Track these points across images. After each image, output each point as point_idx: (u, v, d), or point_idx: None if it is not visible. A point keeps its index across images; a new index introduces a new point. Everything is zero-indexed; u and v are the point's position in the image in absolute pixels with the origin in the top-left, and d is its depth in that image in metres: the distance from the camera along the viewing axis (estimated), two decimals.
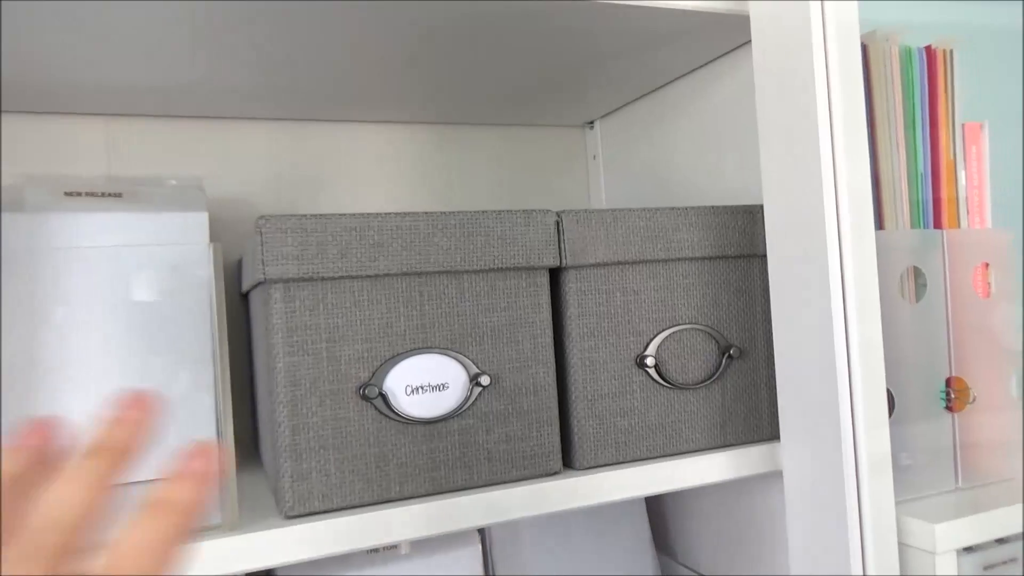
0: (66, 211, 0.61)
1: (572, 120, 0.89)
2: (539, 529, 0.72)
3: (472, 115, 0.84)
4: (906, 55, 0.64)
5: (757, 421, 0.58)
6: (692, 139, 0.74)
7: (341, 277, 0.46)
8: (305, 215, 0.45)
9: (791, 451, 0.53)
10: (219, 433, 0.45)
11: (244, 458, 0.65)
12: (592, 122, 0.90)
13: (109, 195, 0.63)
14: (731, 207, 0.57)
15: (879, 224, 0.62)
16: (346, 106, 0.77)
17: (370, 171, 0.83)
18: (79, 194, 0.62)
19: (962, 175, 0.65)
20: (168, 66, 0.63)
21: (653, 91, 0.79)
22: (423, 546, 0.64)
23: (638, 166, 0.83)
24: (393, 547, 0.64)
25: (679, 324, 0.55)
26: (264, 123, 0.79)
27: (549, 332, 0.52)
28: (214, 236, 0.76)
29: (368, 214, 0.47)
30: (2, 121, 0.71)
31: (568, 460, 0.54)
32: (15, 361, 0.50)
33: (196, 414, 0.51)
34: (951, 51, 0.66)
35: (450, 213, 0.49)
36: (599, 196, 0.91)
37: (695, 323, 0.56)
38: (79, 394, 0.51)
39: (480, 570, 0.66)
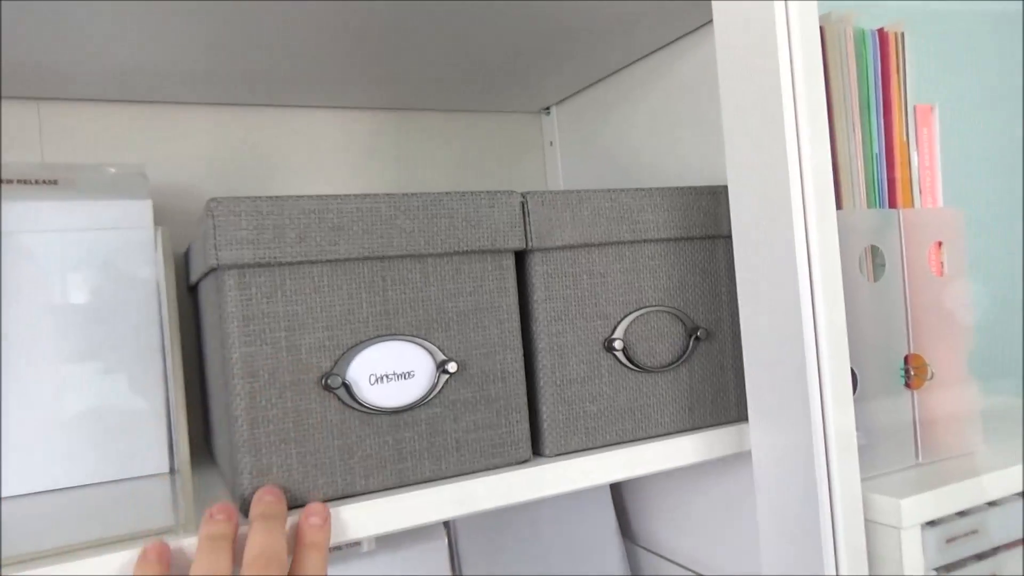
0: None
1: (527, 106, 0.88)
2: (505, 519, 0.71)
3: (426, 100, 0.82)
4: (860, 37, 0.64)
5: (724, 403, 0.57)
6: (651, 123, 0.74)
7: (300, 262, 0.44)
8: (260, 197, 0.43)
9: (760, 431, 0.53)
10: (171, 428, 0.43)
11: (196, 455, 0.62)
12: (548, 108, 0.89)
13: (44, 182, 0.60)
14: (695, 188, 0.56)
15: (837, 204, 0.62)
16: (296, 90, 0.75)
17: (322, 158, 0.81)
18: (10, 181, 0.59)
19: (915, 156, 0.66)
20: (106, 47, 0.59)
21: (610, 75, 0.79)
22: (387, 541, 0.62)
23: (596, 151, 0.83)
24: (355, 544, 0.62)
25: (646, 306, 0.55)
26: (210, 108, 0.76)
27: (516, 317, 0.50)
28: (159, 226, 0.72)
29: (327, 196, 0.45)
30: None
31: (537, 447, 0.52)
32: None
33: (147, 409, 0.48)
34: (902, 33, 0.67)
35: (413, 195, 0.47)
36: (557, 183, 0.90)
37: (662, 305, 0.55)
38: (14, 389, 0.48)
39: (447, 564, 0.64)
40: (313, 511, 0.42)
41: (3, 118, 0.69)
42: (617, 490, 0.81)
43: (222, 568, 0.37)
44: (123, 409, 0.47)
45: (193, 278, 0.56)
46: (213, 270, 0.44)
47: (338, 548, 0.61)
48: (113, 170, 0.64)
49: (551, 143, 0.89)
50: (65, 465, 0.47)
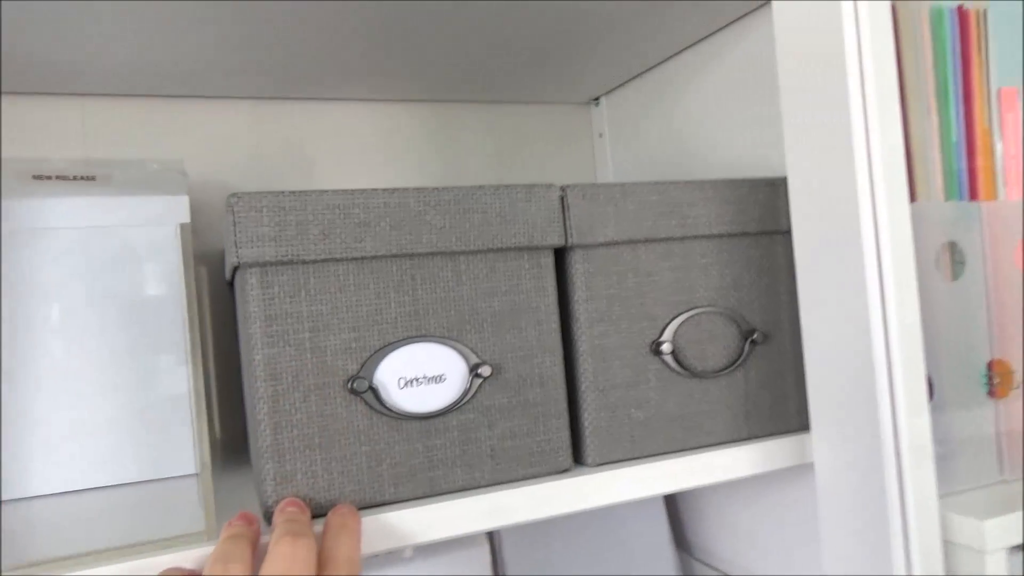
0: (33, 196, 0.57)
1: (576, 97, 0.85)
2: (552, 527, 0.68)
3: (468, 92, 0.79)
4: (937, 16, 0.59)
5: (784, 411, 0.53)
6: (705, 112, 0.69)
7: (324, 260, 0.42)
8: (282, 192, 0.41)
9: (823, 442, 0.49)
10: (193, 425, 0.41)
11: (235, 459, 0.61)
12: (597, 98, 0.86)
13: (81, 178, 0.59)
14: (751, 180, 0.52)
15: (911, 196, 0.57)
16: (334, 83, 0.73)
17: (361, 153, 0.79)
18: (49, 177, 0.58)
19: (998, 144, 0.60)
20: (146, 43, 0.59)
21: (661, 63, 0.75)
22: (427, 548, 0.60)
23: (647, 143, 0.79)
24: (394, 550, 0.60)
25: (697, 307, 0.51)
26: (249, 102, 0.75)
27: (555, 318, 0.47)
28: (197, 221, 0.72)
29: (352, 190, 0.42)
30: None
31: (579, 456, 0.49)
32: None
33: (171, 406, 0.47)
34: (984, 11, 0.61)
35: (443, 188, 0.44)
36: (607, 177, 0.86)
37: (714, 306, 0.51)
38: (49, 384, 0.47)
39: (488, 571, 0.62)
40: (341, 506, 0.41)
41: (47, 115, 0.69)
42: (672, 498, 0.77)
43: (240, 558, 0.35)
44: (153, 409, 0.46)
45: (228, 275, 0.55)
46: (236, 268, 0.42)
47: (375, 555, 0.59)
48: (152, 166, 0.63)
49: (600, 135, 0.86)
50: (95, 465, 0.46)
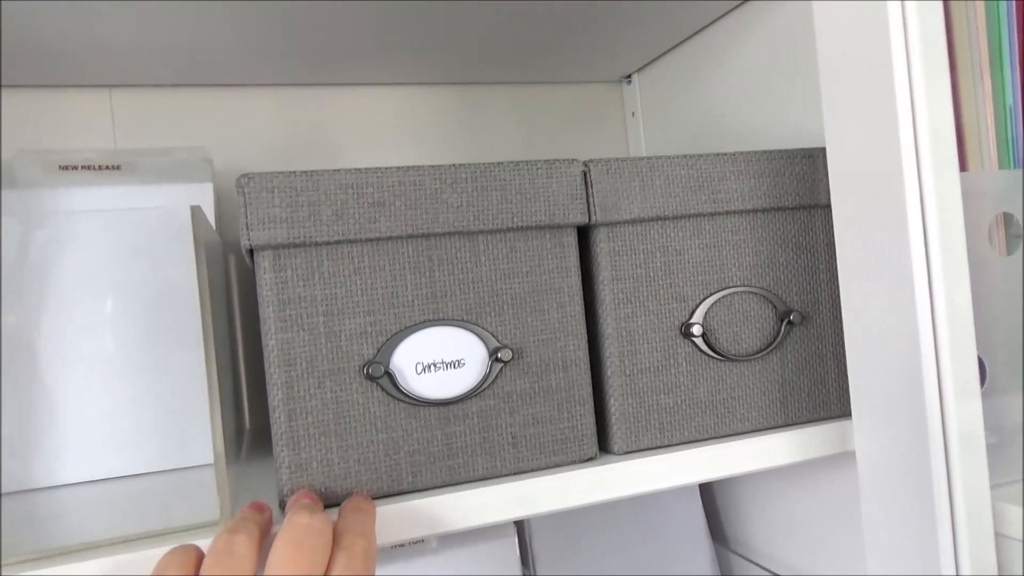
0: (59, 186, 0.57)
1: (607, 75, 0.82)
2: (582, 519, 0.67)
3: (495, 73, 0.77)
4: None
5: (824, 396, 0.50)
6: (742, 85, 0.66)
7: (338, 241, 0.41)
8: (294, 172, 0.40)
9: (865, 430, 0.46)
10: (210, 414, 0.40)
11: (264, 449, 0.61)
12: (629, 76, 0.83)
13: (107, 168, 0.59)
14: (787, 151, 0.49)
15: (962, 166, 0.54)
16: (358, 67, 0.72)
17: (389, 137, 0.78)
18: (74, 168, 0.58)
19: None
20: (170, 29, 0.58)
21: (694, 35, 0.72)
22: (453, 540, 0.59)
23: (682, 121, 0.76)
24: (419, 541, 0.59)
25: (729, 287, 0.48)
26: (276, 89, 0.75)
27: (579, 299, 0.45)
28: (226, 209, 0.71)
29: (366, 169, 0.41)
30: (4, 97, 0.68)
31: (605, 444, 0.47)
32: (12, 340, 0.46)
33: (187, 395, 0.46)
34: None
35: (460, 166, 0.43)
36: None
37: (748, 285, 0.49)
38: (73, 371, 0.47)
39: (516, 563, 0.60)
40: (355, 495, 0.40)
41: (76, 106, 0.69)
42: (707, 488, 0.75)
43: (247, 531, 0.34)
44: (170, 397, 0.46)
45: (248, 260, 0.54)
46: (249, 251, 0.41)
47: (401, 545, 0.58)
48: (177, 154, 0.63)
49: (633, 114, 0.83)
50: (115, 454, 0.46)
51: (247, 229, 0.39)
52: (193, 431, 0.48)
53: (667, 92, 0.78)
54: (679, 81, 0.75)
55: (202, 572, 0.33)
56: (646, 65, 0.80)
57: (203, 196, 0.60)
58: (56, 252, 0.48)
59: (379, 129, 0.78)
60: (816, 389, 0.50)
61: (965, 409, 0.42)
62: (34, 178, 0.57)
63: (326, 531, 0.35)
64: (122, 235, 0.45)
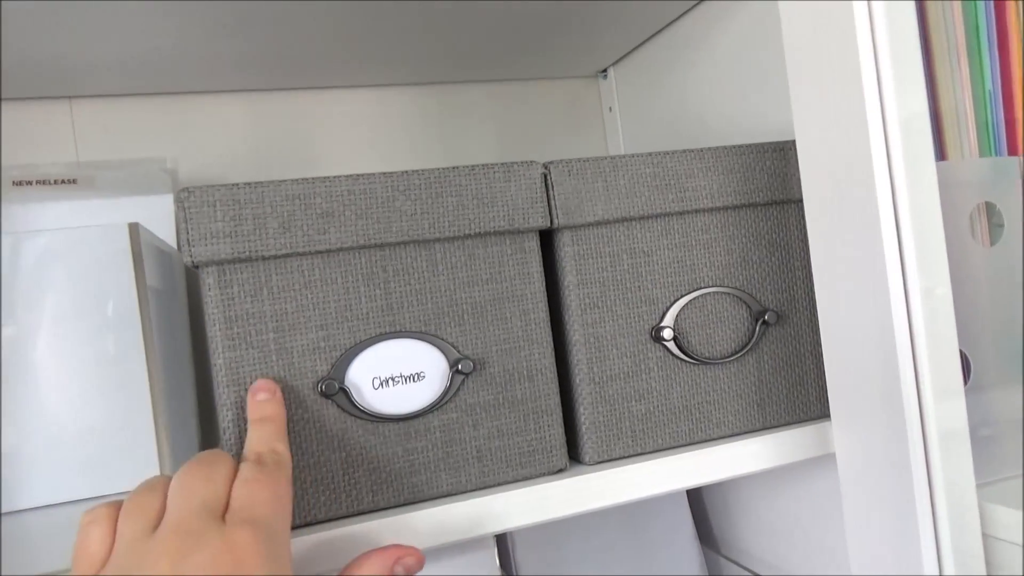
0: (13, 202, 0.55)
1: (582, 69, 0.80)
2: (567, 525, 0.65)
3: (473, 71, 0.76)
4: None
5: (803, 397, 0.49)
6: (719, 77, 0.65)
7: (286, 255, 0.39)
8: (237, 184, 0.38)
9: (844, 431, 0.44)
10: (156, 432, 0.39)
11: None
12: (605, 70, 0.81)
13: (62, 182, 0.58)
14: (756, 145, 0.48)
15: (940, 155, 0.52)
16: (327, 70, 0.70)
17: (361, 141, 0.76)
18: (28, 183, 0.57)
19: None
20: (132, 35, 0.56)
21: (665, 27, 0.70)
22: (430, 552, 0.57)
23: (660, 115, 0.74)
24: None
25: (701, 288, 0.47)
26: (243, 95, 0.73)
27: (543, 306, 0.44)
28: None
29: (313, 179, 0.40)
30: None
31: (576, 454, 0.46)
32: None
33: (135, 415, 0.45)
34: None
35: (412, 172, 0.41)
36: (619, 152, 0.82)
37: (720, 285, 0.47)
38: (24, 393, 0.45)
39: (497, 573, 0.59)
40: (259, 387, 0.38)
41: (36, 118, 0.68)
42: (695, 492, 0.73)
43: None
44: (121, 417, 0.44)
45: None
46: (194, 268, 0.40)
47: None
48: (136, 166, 0.61)
49: (610, 109, 0.81)
50: (73, 476, 0.45)
51: (188, 245, 0.38)
52: (133, 456, 0.46)
53: (643, 86, 0.76)
54: (655, 74, 0.74)
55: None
56: (622, 58, 0.79)
57: (163, 208, 0.59)
58: (11, 272, 0.46)
59: (354, 133, 0.76)
60: (795, 390, 0.49)
61: (946, 407, 0.40)
62: None
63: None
64: (66, 255, 0.43)
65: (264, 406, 0.36)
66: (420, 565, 0.37)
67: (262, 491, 0.32)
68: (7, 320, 0.44)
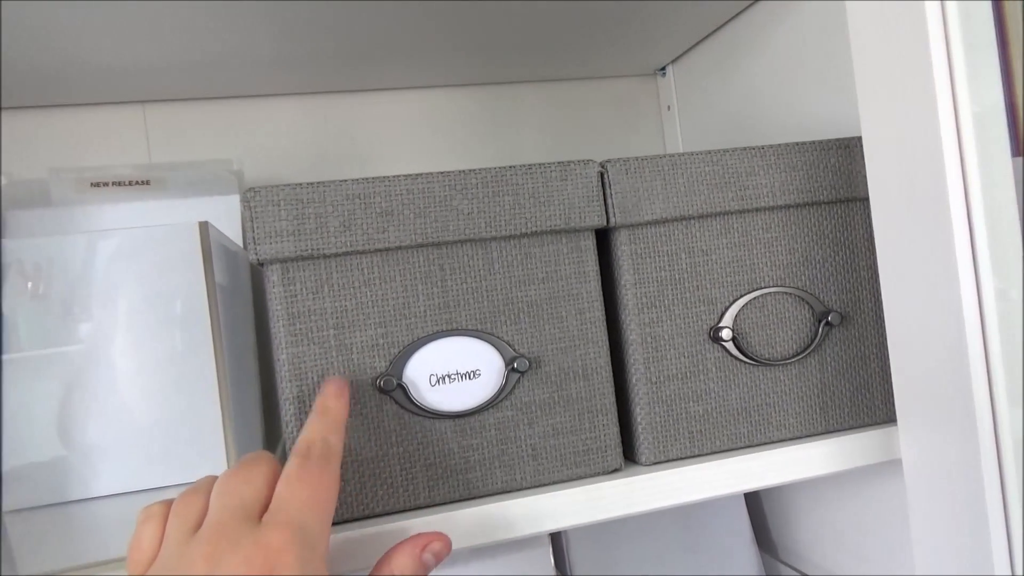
0: (90, 203, 0.58)
1: (640, 67, 0.80)
2: (622, 526, 0.65)
3: (527, 71, 0.76)
4: None
5: (867, 401, 0.47)
6: (780, 73, 0.63)
7: (346, 253, 0.40)
8: (300, 184, 0.39)
9: (911, 436, 0.43)
10: (223, 426, 0.40)
11: None
12: (663, 68, 0.81)
13: (136, 183, 0.60)
14: (820, 142, 0.46)
15: (1015, 150, 0.50)
16: (387, 71, 0.71)
17: (419, 141, 0.77)
18: (105, 184, 0.59)
19: None
20: (201, 41, 0.59)
21: (729, 21, 0.69)
22: (484, 549, 0.58)
23: (719, 113, 0.73)
24: None
25: (761, 287, 0.46)
26: (304, 97, 0.75)
27: (599, 305, 0.44)
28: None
29: (373, 178, 0.40)
30: (39, 117, 0.69)
31: (631, 455, 0.46)
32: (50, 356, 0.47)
33: (202, 409, 0.46)
34: None
35: (470, 171, 0.41)
36: (676, 151, 0.81)
37: (781, 285, 0.46)
38: (99, 391, 0.47)
39: (552, 574, 0.59)
40: (329, 381, 0.38)
41: (111, 122, 0.71)
42: (754, 495, 0.72)
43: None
44: (189, 411, 0.46)
45: None
46: (259, 265, 0.41)
47: None
48: (205, 168, 0.63)
49: (668, 107, 0.80)
50: (139, 468, 0.47)
51: (254, 243, 0.39)
52: (204, 446, 0.47)
53: (703, 83, 0.75)
54: (715, 71, 0.72)
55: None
56: (681, 56, 0.78)
57: (230, 208, 0.60)
58: (86, 270, 0.48)
59: (409, 133, 0.77)
60: (859, 394, 0.47)
61: (1020, 413, 0.39)
62: (67, 196, 0.58)
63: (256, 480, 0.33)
64: (138, 253, 0.45)
65: (328, 400, 0.37)
66: (448, 548, 0.37)
67: (302, 490, 0.32)
68: (84, 316, 0.46)
